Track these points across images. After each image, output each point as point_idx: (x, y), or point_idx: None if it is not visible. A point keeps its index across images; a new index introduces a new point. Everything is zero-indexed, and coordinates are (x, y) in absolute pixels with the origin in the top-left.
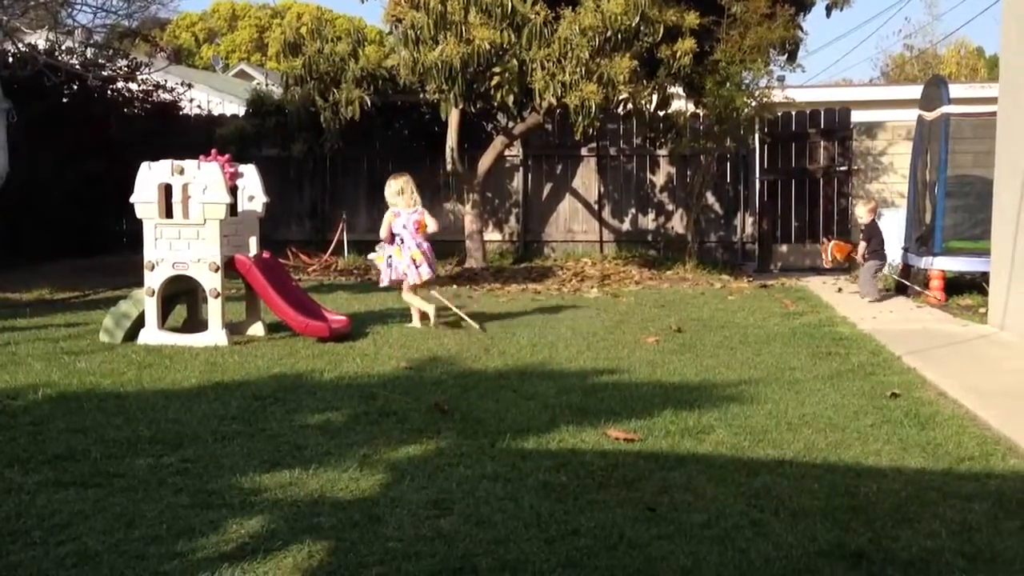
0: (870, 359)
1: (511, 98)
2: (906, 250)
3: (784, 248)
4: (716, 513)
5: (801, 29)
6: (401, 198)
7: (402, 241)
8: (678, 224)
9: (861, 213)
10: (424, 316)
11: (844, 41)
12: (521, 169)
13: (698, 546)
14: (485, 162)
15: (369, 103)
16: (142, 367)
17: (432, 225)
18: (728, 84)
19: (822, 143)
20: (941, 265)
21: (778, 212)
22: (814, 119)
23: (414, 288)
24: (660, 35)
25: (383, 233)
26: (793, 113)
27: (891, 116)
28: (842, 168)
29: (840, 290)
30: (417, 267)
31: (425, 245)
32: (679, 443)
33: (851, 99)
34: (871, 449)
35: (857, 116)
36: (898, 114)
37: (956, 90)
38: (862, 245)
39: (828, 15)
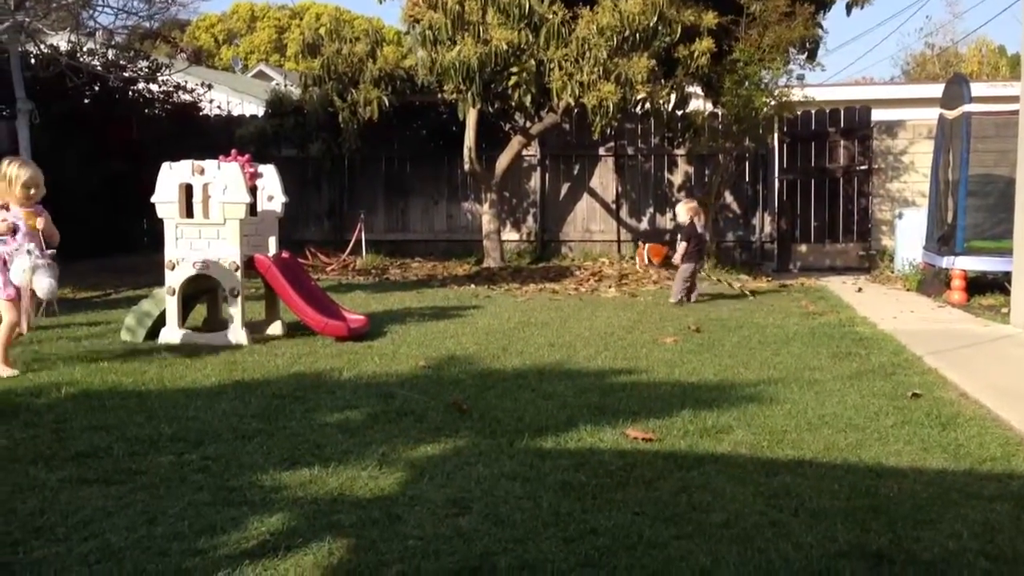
0: (891, 359)
1: (528, 98)
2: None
3: (804, 248)
4: (735, 513)
5: (821, 27)
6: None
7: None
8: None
9: (680, 212)
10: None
11: (864, 39)
12: (539, 169)
13: (717, 546)
14: (503, 162)
15: (387, 103)
16: (163, 365)
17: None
18: (747, 83)
19: (842, 142)
20: (963, 265)
21: (797, 212)
22: (834, 118)
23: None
24: (678, 35)
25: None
26: (813, 112)
27: (912, 115)
28: (862, 167)
29: (860, 290)
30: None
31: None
32: (698, 443)
33: (871, 98)
34: (892, 449)
35: (877, 115)
36: (919, 113)
37: (977, 88)
38: (681, 246)
39: (848, 13)
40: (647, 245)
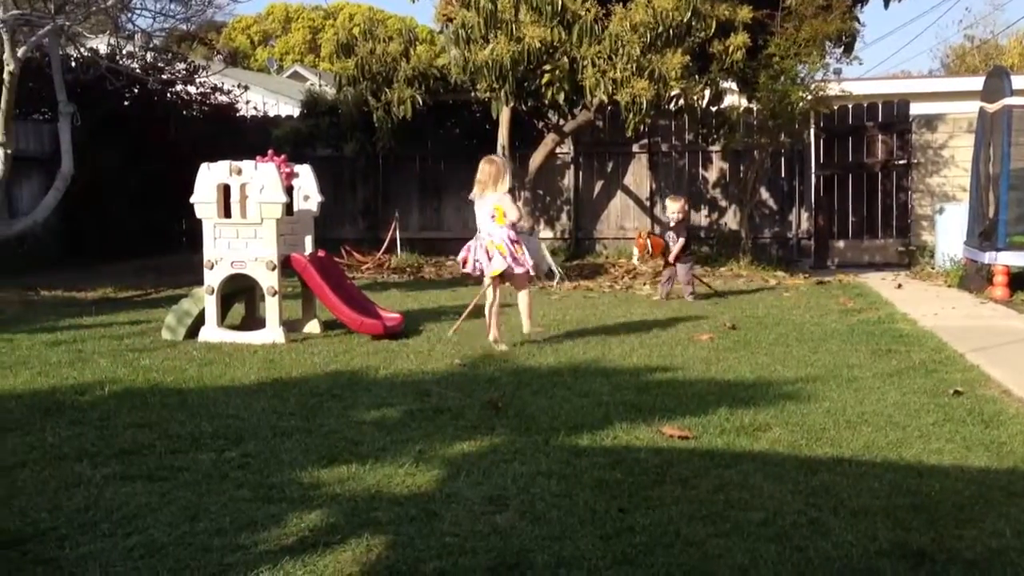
0: (932, 356)
1: (562, 96)
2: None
3: (841, 244)
4: (773, 511)
5: (858, 21)
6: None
7: None
8: (731, 220)
9: (673, 209)
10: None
11: (902, 32)
12: (572, 166)
13: (755, 544)
14: (536, 160)
15: (421, 102)
16: (203, 364)
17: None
18: (782, 78)
19: (880, 137)
20: (1005, 260)
21: (834, 207)
22: (871, 112)
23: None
24: (712, 30)
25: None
26: (850, 106)
27: (952, 108)
28: (901, 162)
29: (900, 286)
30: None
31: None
32: (735, 441)
33: (910, 91)
34: (933, 447)
35: (916, 109)
36: (959, 106)
37: (1019, 81)
38: (680, 243)
39: (886, 6)
40: (649, 237)
